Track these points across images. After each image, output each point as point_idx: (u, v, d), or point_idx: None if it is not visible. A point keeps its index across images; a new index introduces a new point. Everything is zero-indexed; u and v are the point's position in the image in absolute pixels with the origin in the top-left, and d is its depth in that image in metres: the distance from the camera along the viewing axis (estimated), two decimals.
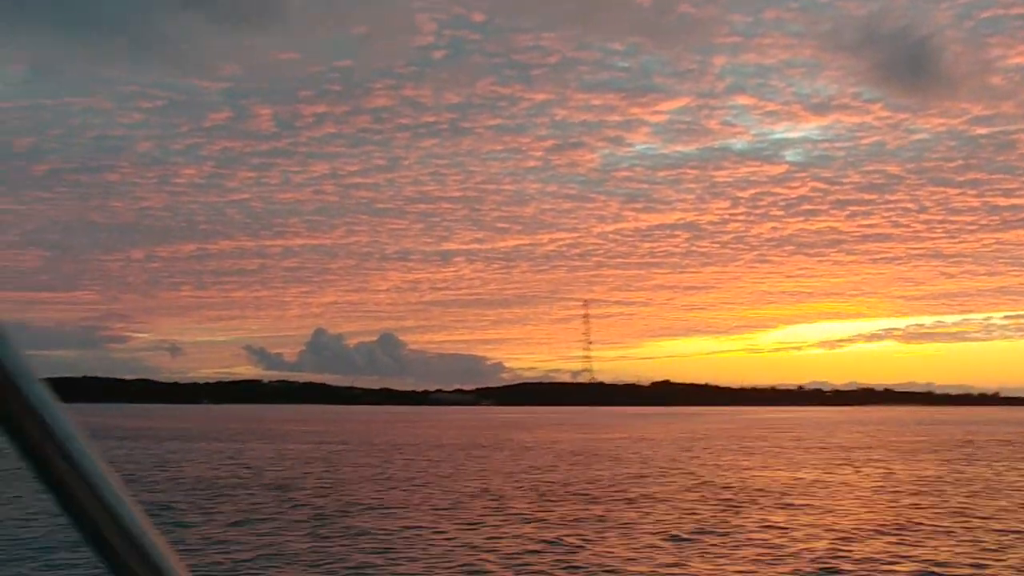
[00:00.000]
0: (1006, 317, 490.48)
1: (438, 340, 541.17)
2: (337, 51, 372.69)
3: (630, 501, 33.36)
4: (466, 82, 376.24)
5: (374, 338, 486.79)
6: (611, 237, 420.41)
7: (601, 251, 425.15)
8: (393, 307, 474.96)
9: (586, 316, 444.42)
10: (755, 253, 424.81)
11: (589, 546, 23.56)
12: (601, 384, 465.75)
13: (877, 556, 22.20)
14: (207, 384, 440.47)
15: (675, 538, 24.81)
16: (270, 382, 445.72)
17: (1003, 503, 32.94)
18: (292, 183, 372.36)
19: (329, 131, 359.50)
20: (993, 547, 23.35)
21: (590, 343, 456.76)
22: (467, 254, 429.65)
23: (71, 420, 1.24)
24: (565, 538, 24.78)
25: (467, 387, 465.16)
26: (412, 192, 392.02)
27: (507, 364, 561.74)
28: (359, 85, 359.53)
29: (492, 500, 33.61)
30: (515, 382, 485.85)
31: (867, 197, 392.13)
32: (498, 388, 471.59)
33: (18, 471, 40.20)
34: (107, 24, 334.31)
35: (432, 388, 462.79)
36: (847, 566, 21.02)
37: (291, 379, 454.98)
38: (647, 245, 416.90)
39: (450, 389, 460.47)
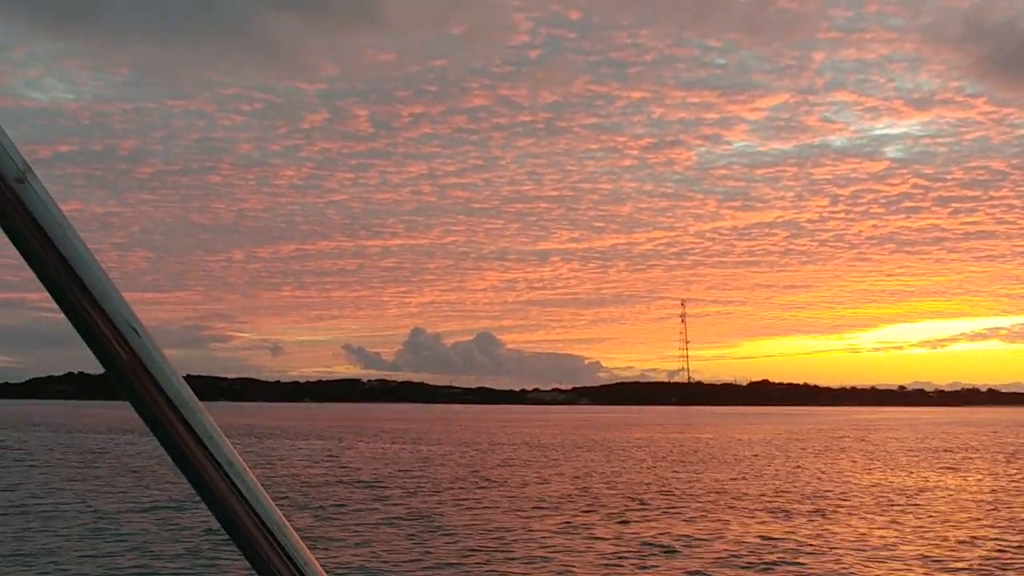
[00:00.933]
0: None
1: (535, 339, 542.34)
2: (433, 51, 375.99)
3: (722, 504, 33.39)
4: (562, 81, 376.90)
5: (471, 337, 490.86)
6: (708, 236, 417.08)
7: (698, 250, 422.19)
8: (490, 306, 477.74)
9: (683, 315, 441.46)
10: (855, 251, 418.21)
11: (683, 549, 23.76)
12: (699, 383, 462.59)
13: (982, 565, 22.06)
14: (307, 383, 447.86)
15: (768, 542, 24.87)
16: (368, 381, 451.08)
17: None
18: (389, 183, 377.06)
19: (426, 131, 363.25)
20: None
21: (687, 342, 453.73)
22: (563, 253, 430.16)
23: (209, 419, 1.30)
24: (658, 539, 25.02)
25: (564, 386, 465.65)
26: (509, 192, 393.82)
27: (604, 363, 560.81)
28: (455, 85, 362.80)
29: (584, 501, 33.90)
30: (612, 382, 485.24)
31: (970, 194, 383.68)
32: (595, 388, 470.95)
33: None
34: (207, 27, 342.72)
35: (529, 387, 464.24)
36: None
37: (389, 378, 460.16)
38: (744, 244, 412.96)
39: (547, 388, 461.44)
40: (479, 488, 37.83)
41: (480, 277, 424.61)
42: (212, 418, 1.29)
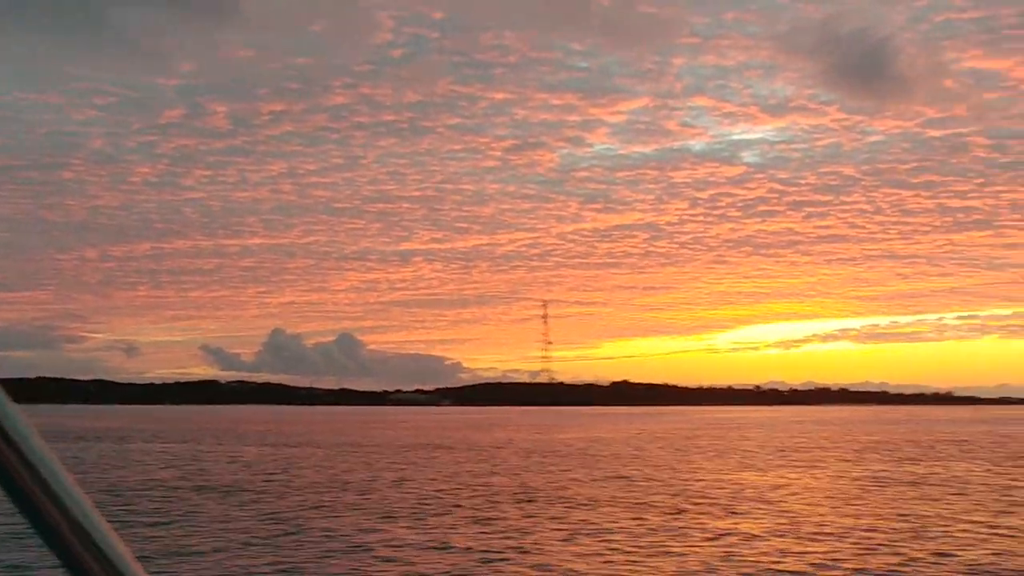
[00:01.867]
0: (958, 318, 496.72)
1: (397, 340, 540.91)
2: (295, 48, 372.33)
3: (577, 503, 33.87)
4: (426, 80, 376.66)
5: (332, 338, 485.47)
6: (570, 237, 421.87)
7: (560, 251, 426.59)
8: (351, 307, 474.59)
9: (545, 316, 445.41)
10: (713, 254, 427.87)
11: (532, 549, 24.03)
12: (560, 384, 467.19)
13: (834, 559, 22.83)
14: (164, 385, 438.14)
15: (618, 538, 25.33)
16: (227, 383, 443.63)
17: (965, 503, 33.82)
18: (249, 182, 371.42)
19: (287, 129, 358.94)
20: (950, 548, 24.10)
21: (549, 343, 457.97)
22: (426, 254, 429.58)
23: (26, 421, 1.24)
24: (505, 540, 25.26)
25: (426, 387, 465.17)
26: (371, 191, 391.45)
27: (466, 364, 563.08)
28: (317, 83, 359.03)
29: (444, 502, 34.02)
30: (474, 382, 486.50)
31: (823, 198, 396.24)
32: (457, 388, 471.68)
33: None
34: (59, 18, 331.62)
35: (391, 389, 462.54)
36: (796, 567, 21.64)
37: (249, 380, 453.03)
38: (606, 246, 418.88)
39: (409, 389, 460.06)
40: (337, 491, 37.61)
41: (341, 277, 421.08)
42: (26, 416, 1.21)
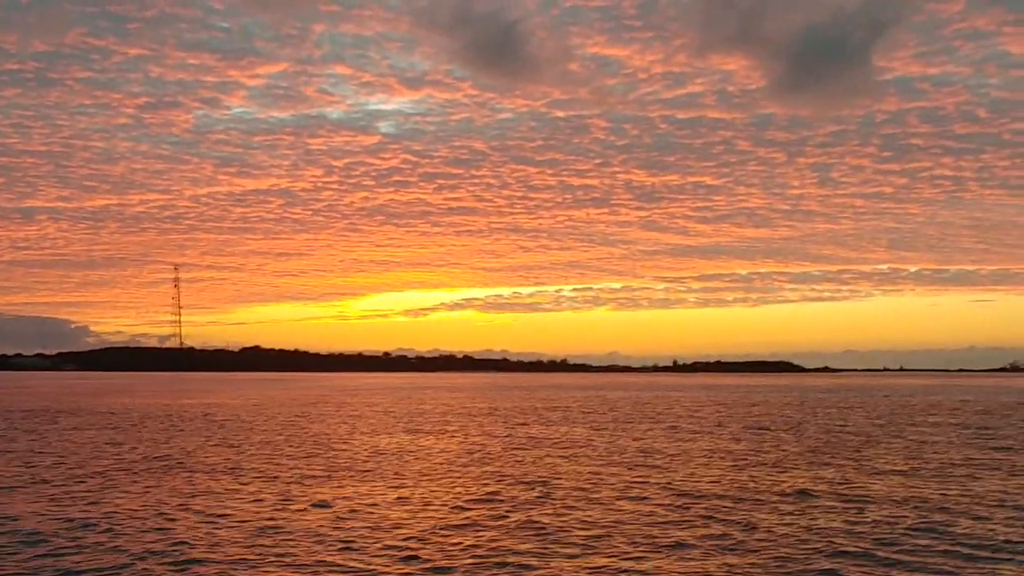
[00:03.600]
0: (575, 290, 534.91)
1: (17, 302, 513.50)
2: None
3: (198, 470, 36.34)
4: (56, 30, 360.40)
5: None
6: (204, 201, 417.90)
7: (193, 215, 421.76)
8: None
9: (176, 280, 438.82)
10: (347, 222, 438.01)
11: (144, 519, 25.98)
12: (191, 349, 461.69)
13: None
14: None
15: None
16: None
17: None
18: None
19: None
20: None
21: (180, 308, 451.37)
22: (52, 212, 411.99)
23: None
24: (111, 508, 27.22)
25: (49, 351, 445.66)
26: None
27: (92, 328, 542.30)
28: None
29: (59, 473, 35.36)
30: (100, 347, 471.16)
31: (454, 171, 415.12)
32: (82, 353, 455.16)
33: None
34: None
35: (11, 352, 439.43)
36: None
37: None
38: (240, 210, 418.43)
39: (30, 353, 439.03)
40: None
41: None
42: None
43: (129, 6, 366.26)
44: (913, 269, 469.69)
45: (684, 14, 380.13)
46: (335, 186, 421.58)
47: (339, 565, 18.58)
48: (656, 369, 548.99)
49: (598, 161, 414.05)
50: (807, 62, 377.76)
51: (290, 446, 43.81)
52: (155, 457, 38.42)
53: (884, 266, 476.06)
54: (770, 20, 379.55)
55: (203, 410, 78.73)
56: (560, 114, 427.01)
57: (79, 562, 18.77)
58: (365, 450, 41.88)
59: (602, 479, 31.17)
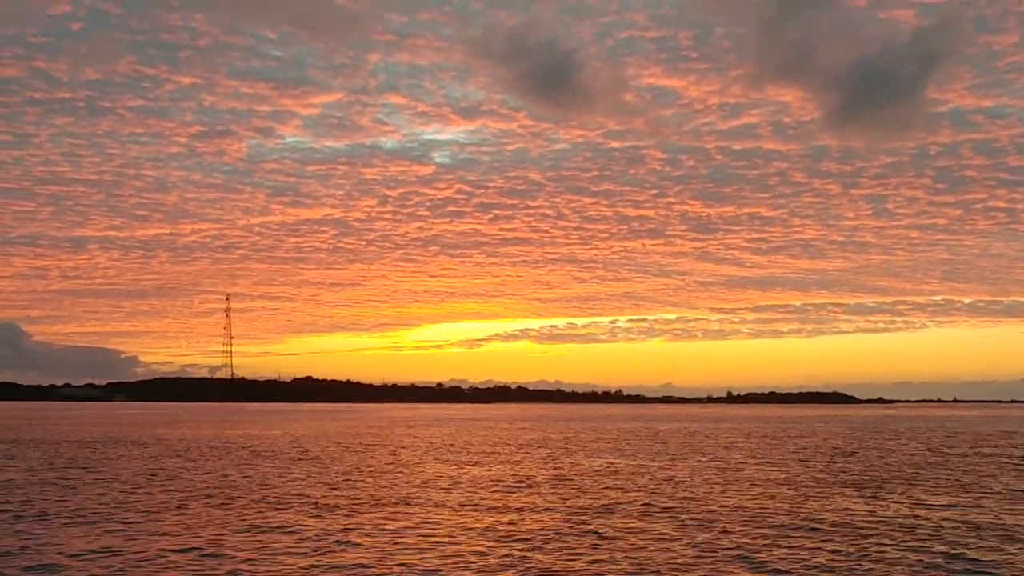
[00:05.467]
0: (629, 321, 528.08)
1: (68, 331, 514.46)
2: None
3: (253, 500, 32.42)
4: (107, 58, 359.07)
5: None
6: (256, 230, 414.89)
7: (246, 244, 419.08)
8: (18, 295, 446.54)
9: (228, 310, 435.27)
10: (401, 252, 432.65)
11: (221, 549, 22.51)
12: (241, 380, 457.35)
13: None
14: None
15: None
16: None
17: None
18: None
19: None
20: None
21: (231, 338, 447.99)
22: (102, 241, 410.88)
23: None
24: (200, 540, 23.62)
25: (99, 382, 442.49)
26: (42, 172, 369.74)
27: (142, 358, 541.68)
28: None
29: (125, 503, 31.72)
30: (150, 377, 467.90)
31: (509, 202, 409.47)
32: (132, 383, 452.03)
33: None
34: None
35: (59, 382, 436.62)
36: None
37: None
38: (293, 240, 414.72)
39: (80, 384, 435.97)
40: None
41: (6, 263, 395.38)
42: None
43: (181, 34, 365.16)
44: (967, 300, 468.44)
45: (739, 45, 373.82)
46: (389, 216, 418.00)
47: None
48: (710, 400, 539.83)
49: (653, 192, 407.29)
50: (861, 94, 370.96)
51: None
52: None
53: (938, 297, 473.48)
54: (823, 52, 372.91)
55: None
56: (615, 144, 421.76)
57: None
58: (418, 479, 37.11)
59: (650, 508, 30.63)
